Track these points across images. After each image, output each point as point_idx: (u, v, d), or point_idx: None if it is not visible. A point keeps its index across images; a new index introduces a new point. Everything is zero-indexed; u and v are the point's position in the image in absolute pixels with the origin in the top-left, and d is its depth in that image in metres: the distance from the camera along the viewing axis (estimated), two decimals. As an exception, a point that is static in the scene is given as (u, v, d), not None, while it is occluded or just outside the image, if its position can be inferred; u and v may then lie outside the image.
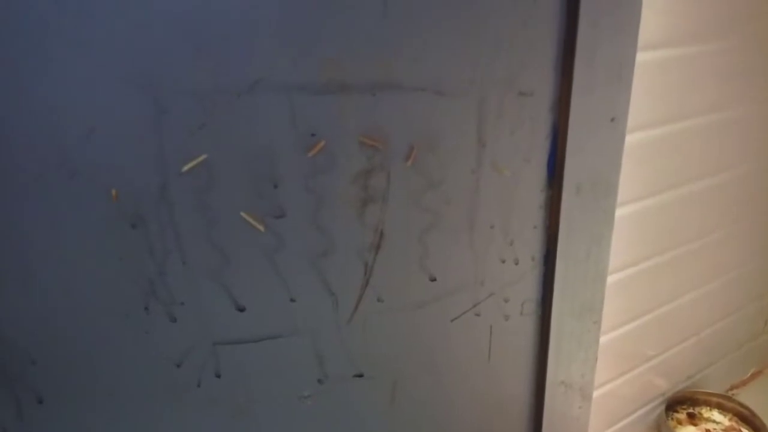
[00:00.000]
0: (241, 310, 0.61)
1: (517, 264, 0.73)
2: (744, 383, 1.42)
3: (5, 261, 0.52)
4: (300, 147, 0.56)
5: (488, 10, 0.59)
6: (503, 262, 0.72)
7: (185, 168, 0.54)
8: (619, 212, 0.91)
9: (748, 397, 1.30)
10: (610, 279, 0.97)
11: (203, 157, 0.54)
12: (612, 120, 0.70)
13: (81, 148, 0.50)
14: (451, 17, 0.58)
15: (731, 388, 1.39)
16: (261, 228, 0.58)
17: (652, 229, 1.00)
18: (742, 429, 1.19)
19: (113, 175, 0.52)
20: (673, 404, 1.22)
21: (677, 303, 1.13)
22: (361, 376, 0.69)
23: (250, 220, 0.58)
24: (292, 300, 0.62)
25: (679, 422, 1.21)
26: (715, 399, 1.23)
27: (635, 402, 1.17)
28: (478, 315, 0.73)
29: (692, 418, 1.21)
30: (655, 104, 0.87)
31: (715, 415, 1.22)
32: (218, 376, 0.63)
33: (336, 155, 0.58)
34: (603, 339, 1.00)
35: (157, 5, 0.48)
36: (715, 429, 1.20)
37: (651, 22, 0.79)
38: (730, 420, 1.21)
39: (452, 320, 0.72)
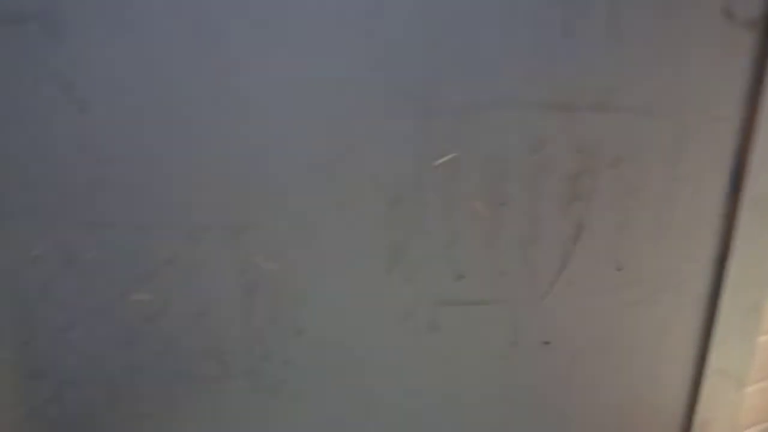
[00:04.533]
0: (461, 277, 0.76)
1: (693, 261, 0.84)
2: None
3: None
4: (526, 151, 0.71)
5: (695, 44, 0.72)
6: (681, 259, 0.83)
7: (437, 162, 0.70)
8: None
9: None
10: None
11: (452, 155, 0.70)
12: (791, 142, 0.79)
13: (366, 145, 0.67)
14: (663, 49, 0.71)
15: None
16: (487, 214, 0.74)
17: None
18: None
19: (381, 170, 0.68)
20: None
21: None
22: (548, 343, 0.83)
23: (480, 207, 0.73)
24: (502, 274, 0.77)
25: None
26: None
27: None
28: (654, 303, 0.84)
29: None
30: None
31: None
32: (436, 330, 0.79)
33: (554, 159, 0.72)
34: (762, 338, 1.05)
35: (436, 49, 0.64)
36: None
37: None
38: None
39: (630, 305, 0.84)
